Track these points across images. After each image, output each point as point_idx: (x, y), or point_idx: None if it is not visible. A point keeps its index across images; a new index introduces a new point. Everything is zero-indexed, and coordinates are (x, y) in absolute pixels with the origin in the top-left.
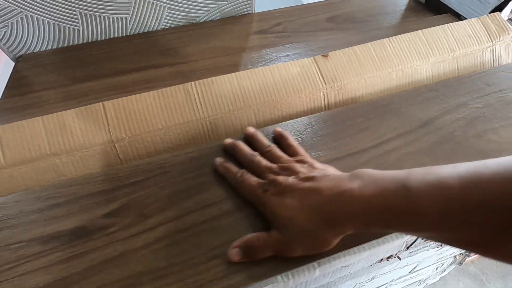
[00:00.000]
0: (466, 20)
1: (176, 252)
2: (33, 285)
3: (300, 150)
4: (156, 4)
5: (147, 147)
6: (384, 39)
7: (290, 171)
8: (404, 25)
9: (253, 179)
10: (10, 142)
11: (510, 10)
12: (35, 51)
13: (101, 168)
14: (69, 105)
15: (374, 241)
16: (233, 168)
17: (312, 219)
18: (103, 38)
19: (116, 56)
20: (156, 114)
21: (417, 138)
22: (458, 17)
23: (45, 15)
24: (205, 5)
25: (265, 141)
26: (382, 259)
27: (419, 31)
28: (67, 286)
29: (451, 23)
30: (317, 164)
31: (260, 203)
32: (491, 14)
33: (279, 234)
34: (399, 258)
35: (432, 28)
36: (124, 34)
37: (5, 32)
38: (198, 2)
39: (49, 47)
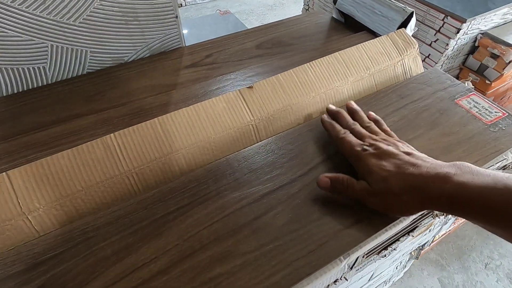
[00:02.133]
0: (377, 38)
1: None
2: None
3: (395, 135)
4: (76, 50)
5: (67, 212)
6: (305, 64)
7: (390, 142)
8: (327, 45)
9: (354, 139)
10: None
11: (414, 25)
12: None
13: (13, 245)
14: None
15: (312, 275)
16: (338, 126)
17: (403, 185)
18: (21, 90)
19: (35, 108)
20: (74, 174)
21: (342, 160)
22: (373, 33)
23: None
24: (132, 44)
25: (366, 118)
26: (329, 285)
27: (337, 53)
28: None
29: (364, 42)
30: (415, 150)
31: (356, 158)
32: (398, 30)
33: (368, 186)
34: (346, 279)
35: (348, 49)
36: (44, 83)
37: None
38: (123, 42)
39: None
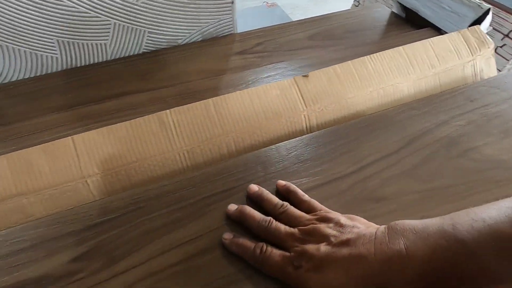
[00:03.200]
0: (447, 34)
1: None
2: (120, 285)
3: (316, 204)
4: (135, 29)
5: (121, 181)
6: (365, 56)
7: (316, 236)
8: (385, 40)
9: (277, 254)
10: None
11: (489, 23)
12: (12, 80)
13: (72, 205)
14: (43, 137)
15: None
16: (248, 243)
17: None
18: (82, 65)
19: (94, 83)
20: (130, 146)
21: (399, 160)
22: (438, 31)
23: (21, 44)
24: (186, 27)
25: (275, 199)
26: None
27: (400, 47)
28: None
29: (431, 38)
30: (343, 219)
31: (293, 282)
32: (471, 27)
33: None
34: None
35: (413, 44)
36: (103, 60)
37: None
38: (178, 25)
39: (26, 76)
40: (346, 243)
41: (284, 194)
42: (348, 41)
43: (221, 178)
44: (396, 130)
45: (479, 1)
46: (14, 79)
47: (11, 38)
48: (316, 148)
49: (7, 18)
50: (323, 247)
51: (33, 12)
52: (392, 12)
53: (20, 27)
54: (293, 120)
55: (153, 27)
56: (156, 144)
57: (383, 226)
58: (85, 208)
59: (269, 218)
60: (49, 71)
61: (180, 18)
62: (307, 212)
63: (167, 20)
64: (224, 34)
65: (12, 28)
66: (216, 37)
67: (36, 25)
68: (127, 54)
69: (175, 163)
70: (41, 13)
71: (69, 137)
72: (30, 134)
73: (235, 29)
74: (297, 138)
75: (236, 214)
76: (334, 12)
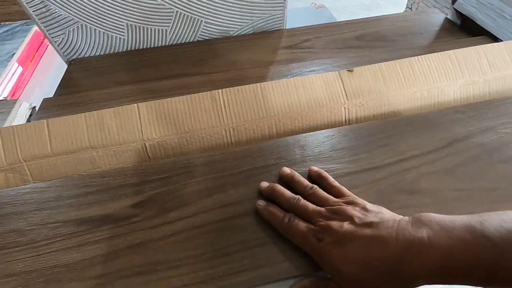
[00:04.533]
0: (503, 42)
1: (191, 246)
2: (64, 261)
3: (345, 190)
4: (194, 18)
5: (174, 147)
6: (412, 57)
7: (342, 215)
8: (436, 46)
9: (303, 225)
10: (57, 134)
11: None
12: (85, 56)
13: (132, 163)
14: (110, 105)
15: None
16: (279, 212)
17: (378, 274)
18: (145, 47)
19: (154, 64)
20: (184, 118)
21: (438, 158)
22: (495, 40)
23: (96, 25)
24: (239, 20)
25: (306, 181)
26: None
27: (450, 51)
28: (93, 265)
29: (485, 45)
30: (369, 206)
31: (315, 253)
32: None
33: (342, 283)
34: None
35: (464, 49)
36: (163, 44)
37: (62, 38)
38: (232, 18)
39: (97, 53)
40: (369, 225)
41: (316, 179)
42: (397, 44)
43: (262, 156)
44: (438, 131)
45: None
46: (87, 55)
47: (90, 18)
48: (354, 139)
49: (89, 1)
50: (347, 225)
51: None
52: (447, 19)
53: (98, 9)
54: (333, 111)
55: (209, 17)
56: (206, 119)
57: (407, 216)
58: (143, 166)
59: (298, 196)
60: (116, 51)
61: (234, 11)
62: (336, 197)
63: (222, 12)
64: (274, 29)
65: (92, 10)
66: (266, 31)
67: (111, 9)
68: (183, 41)
69: (221, 137)
70: None
71: (135, 103)
72: (99, 102)
73: (284, 25)
74: (335, 128)
75: (267, 191)
76: (385, 15)
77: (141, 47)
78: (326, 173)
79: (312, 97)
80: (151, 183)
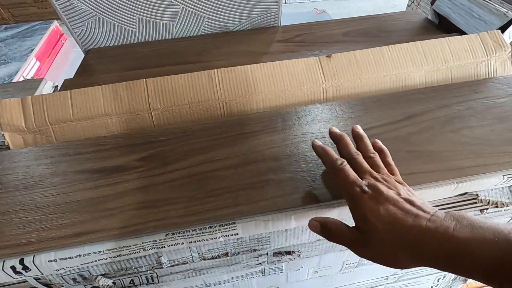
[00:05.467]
0: (466, 35)
1: (185, 189)
2: (83, 197)
3: (397, 172)
4: (198, 14)
5: (175, 117)
6: (383, 46)
7: (391, 185)
8: (414, 41)
9: (353, 173)
10: (78, 103)
11: None
12: (100, 46)
13: (139, 128)
14: None
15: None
16: (334, 154)
17: (400, 242)
18: (153, 39)
19: (161, 54)
20: (185, 92)
21: (397, 128)
22: None
23: (112, 18)
24: (238, 17)
25: (370, 146)
26: None
27: (417, 42)
28: (106, 201)
29: (449, 37)
30: (415, 193)
31: (354, 200)
32: (491, 31)
33: (360, 235)
34: None
35: (429, 40)
36: (169, 37)
37: (82, 29)
38: (232, 14)
39: (111, 44)
40: (410, 202)
41: (376, 150)
42: (380, 39)
43: (249, 124)
44: (401, 107)
45: (506, 10)
46: (102, 45)
47: (106, 12)
48: (328, 113)
49: None
50: (392, 192)
51: None
52: (427, 18)
53: (114, 4)
54: (312, 90)
55: (211, 14)
56: (203, 93)
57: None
58: (148, 131)
59: (359, 152)
60: (128, 42)
61: (234, 9)
62: (390, 173)
63: (223, 9)
64: (270, 26)
65: (108, 4)
66: (262, 27)
67: (124, 4)
68: (188, 35)
69: (215, 110)
70: None
71: (143, 79)
72: (112, 83)
73: (279, 22)
74: (315, 104)
75: (336, 134)
76: (372, 15)
77: (150, 39)
78: (388, 151)
79: (294, 77)
80: (154, 143)
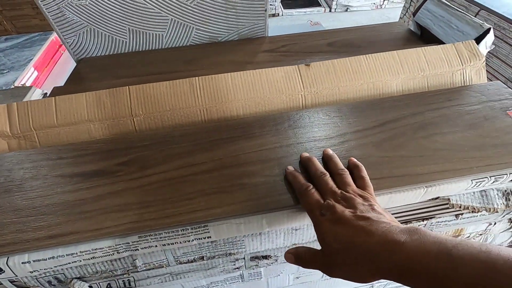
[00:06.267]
0: (441, 45)
1: (161, 192)
2: (60, 200)
3: (369, 186)
4: (186, 25)
5: (156, 123)
6: (361, 56)
7: (349, 203)
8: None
9: (315, 197)
10: (62, 109)
11: (491, 42)
12: (92, 55)
13: (121, 134)
14: None
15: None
16: (301, 179)
17: (355, 257)
18: (143, 49)
19: (150, 63)
20: (166, 99)
21: (371, 134)
22: None
23: (103, 28)
24: (226, 27)
25: (340, 164)
26: None
27: (394, 51)
28: (82, 204)
29: (425, 47)
30: (377, 207)
31: (314, 222)
32: (466, 41)
33: (325, 257)
34: None
35: (406, 50)
36: (159, 47)
37: (73, 39)
38: (220, 26)
39: (102, 53)
40: (365, 218)
41: (351, 166)
42: (363, 50)
43: (227, 130)
44: (375, 114)
45: (481, 22)
46: (94, 54)
47: (97, 23)
48: (307, 119)
49: (95, 7)
50: (348, 212)
51: (115, 4)
52: (409, 29)
53: (104, 15)
54: (291, 97)
55: (199, 25)
56: (185, 100)
57: (404, 225)
58: (130, 136)
59: (325, 171)
60: (118, 52)
61: (222, 20)
62: (358, 187)
63: (211, 20)
64: (257, 36)
65: (99, 15)
66: (250, 38)
67: (115, 15)
68: (177, 45)
69: (196, 116)
70: (121, 5)
71: (126, 86)
72: (100, 90)
73: (266, 33)
74: (293, 111)
75: (305, 158)
76: (358, 26)
77: (140, 49)
78: (362, 166)
79: (273, 85)
80: (135, 149)
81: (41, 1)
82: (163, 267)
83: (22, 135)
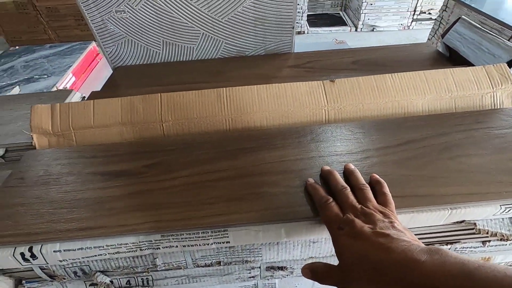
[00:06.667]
0: (471, 67)
1: (183, 195)
2: (91, 196)
3: (390, 202)
4: (216, 39)
5: (184, 129)
6: (386, 74)
7: (369, 219)
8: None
9: (334, 211)
10: (99, 112)
11: None
12: (127, 64)
13: (150, 138)
14: None
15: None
16: (322, 191)
17: (372, 273)
18: (174, 60)
19: (180, 73)
20: (194, 107)
21: (394, 152)
22: None
23: (140, 40)
24: (254, 43)
25: (362, 179)
26: None
27: (421, 71)
28: (111, 201)
29: (453, 68)
30: (397, 224)
31: (332, 236)
32: (497, 64)
33: (341, 272)
34: None
35: (433, 70)
36: (189, 59)
37: (112, 49)
38: (248, 41)
39: (137, 62)
40: (385, 235)
41: (373, 182)
42: (388, 69)
43: (250, 140)
44: (400, 133)
45: None
46: (129, 63)
47: (134, 34)
48: (328, 134)
49: (134, 20)
50: (367, 228)
51: (152, 18)
52: (437, 50)
53: (141, 27)
54: (315, 112)
55: (228, 39)
56: (211, 109)
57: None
58: (158, 140)
59: (346, 185)
60: (152, 61)
61: (250, 35)
62: (379, 203)
63: (240, 35)
64: (283, 52)
65: (136, 28)
66: (276, 53)
67: (151, 28)
68: (206, 57)
69: (221, 125)
70: (157, 19)
71: (158, 93)
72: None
73: (293, 49)
74: (314, 125)
75: (326, 171)
76: (385, 45)
77: (172, 60)
78: (384, 182)
79: (297, 99)
80: (162, 152)
81: (87, 13)
82: (181, 268)
83: (61, 133)
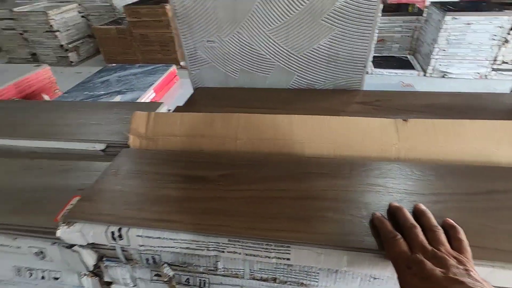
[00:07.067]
0: None
1: (250, 207)
2: (171, 194)
3: (466, 250)
4: (289, 71)
5: (255, 147)
6: (465, 120)
7: (441, 263)
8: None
9: (403, 248)
10: (184, 123)
11: None
12: (207, 86)
13: (225, 152)
14: None
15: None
16: (390, 226)
17: None
18: (249, 87)
19: (252, 98)
20: (268, 129)
21: (472, 200)
22: None
23: (221, 66)
24: (324, 77)
25: (435, 221)
26: None
27: (509, 121)
28: (188, 201)
29: None
30: (474, 273)
31: (399, 274)
32: None
33: None
34: None
35: None
36: (262, 87)
37: (197, 72)
38: (319, 76)
39: (215, 85)
40: (459, 282)
41: (447, 226)
42: (462, 115)
43: (319, 166)
44: (479, 181)
45: None
46: (208, 85)
47: (218, 61)
48: (397, 171)
49: (221, 49)
50: (438, 271)
51: (236, 48)
52: None
53: (225, 56)
54: (385, 148)
55: (300, 72)
56: (282, 133)
57: None
58: (232, 154)
59: (417, 224)
60: (228, 86)
61: (322, 70)
62: (454, 249)
63: (311, 70)
64: (352, 88)
65: (220, 56)
66: (345, 89)
67: (233, 57)
68: (277, 87)
69: (292, 148)
70: (240, 50)
71: (237, 113)
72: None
73: (362, 86)
74: (384, 161)
75: (395, 207)
76: (462, 92)
77: (246, 86)
78: (460, 228)
79: (368, 133)
80: (234, 166)
81: (183, 40)
82: (237, 277)
83: (152, 137)
